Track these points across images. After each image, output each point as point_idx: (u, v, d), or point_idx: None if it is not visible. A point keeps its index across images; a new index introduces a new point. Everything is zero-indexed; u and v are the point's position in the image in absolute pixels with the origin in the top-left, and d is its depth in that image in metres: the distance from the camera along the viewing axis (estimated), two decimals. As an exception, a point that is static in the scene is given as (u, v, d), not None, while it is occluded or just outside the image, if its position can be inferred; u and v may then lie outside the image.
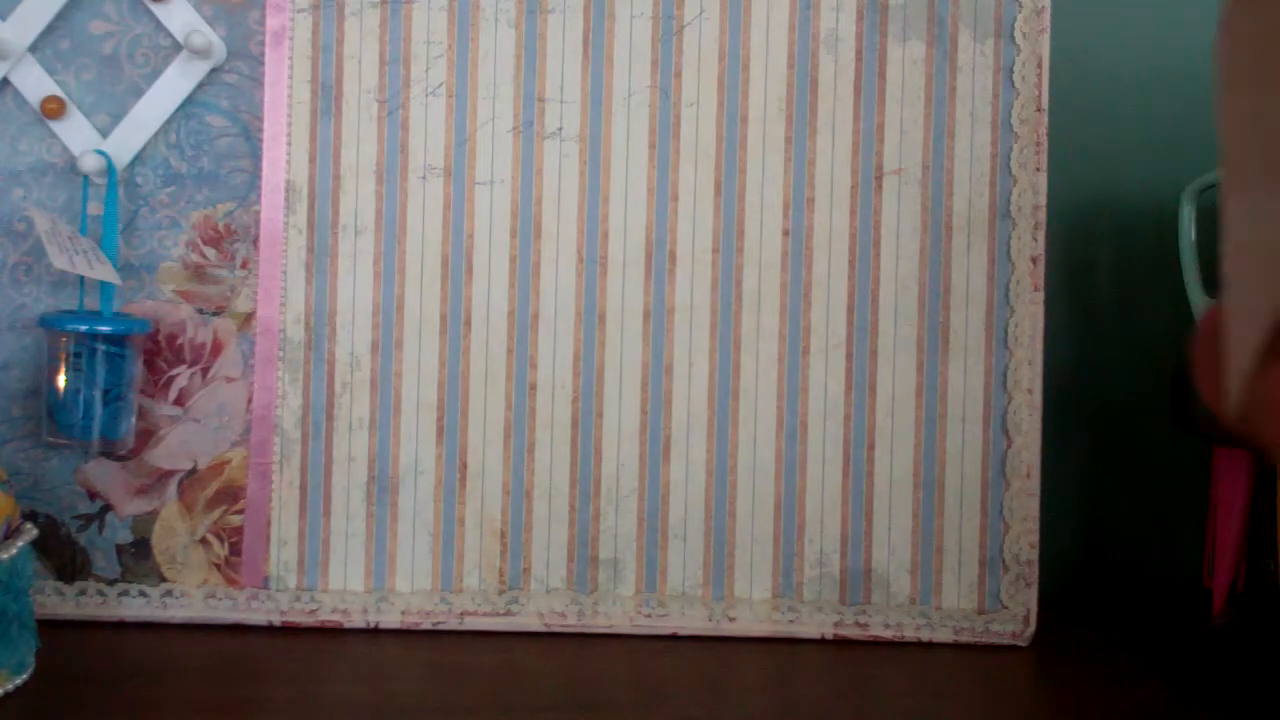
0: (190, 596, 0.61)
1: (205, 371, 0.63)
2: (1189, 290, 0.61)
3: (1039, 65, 0.62)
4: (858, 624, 0.61)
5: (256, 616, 0.61)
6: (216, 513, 0.62)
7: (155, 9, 0.62)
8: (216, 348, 0.63)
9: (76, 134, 0.62)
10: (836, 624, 0.61)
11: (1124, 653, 0.61)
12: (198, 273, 0.63)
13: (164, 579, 0.62)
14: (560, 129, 0.62)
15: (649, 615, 0.61)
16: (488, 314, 0.62)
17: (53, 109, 0.62)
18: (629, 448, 0.62)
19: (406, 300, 0.62)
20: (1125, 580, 0.70)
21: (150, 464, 0.62)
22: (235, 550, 0.62)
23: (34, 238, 0.62)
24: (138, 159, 0.63)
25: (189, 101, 0.63)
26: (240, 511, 0.62)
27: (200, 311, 0.63)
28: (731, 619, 0.61)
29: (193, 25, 0.62)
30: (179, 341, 0.63)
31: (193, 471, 0.62)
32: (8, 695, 0.51)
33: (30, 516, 0.60)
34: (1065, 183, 0.66)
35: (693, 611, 0.61)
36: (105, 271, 0.60)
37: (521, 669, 0.58)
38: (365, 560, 0.62)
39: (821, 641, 0.61)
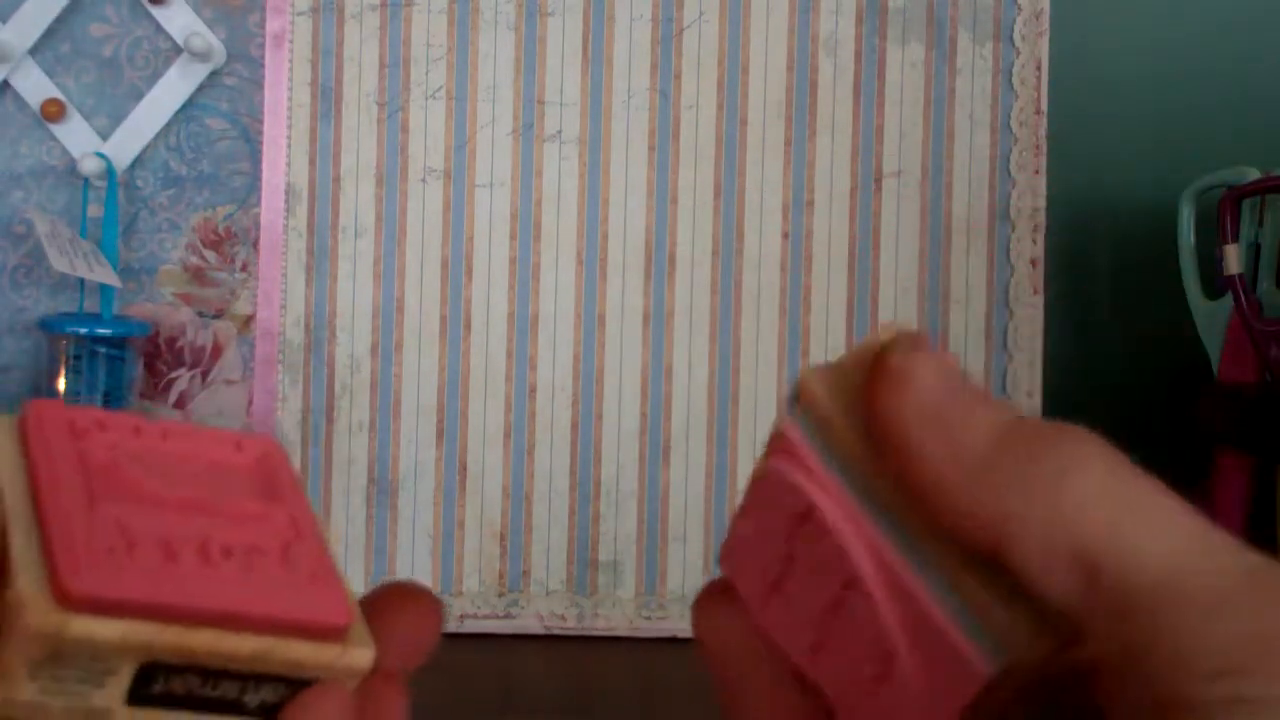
0: (190, 599, 0.61)
1: (205, 374, 0.63)
2: (1188, 292, 0.61)
3: (1038, 68, 0.62)
4: (858, 626, 0.61)
5: (256, 619, 0.61)
6: (216, 515, 0.62)
7: (155, 12, 0.62)
8: (216, 350, 0.63)
9: (76, 136, 0.63)
10: (836, 626, 0.61)
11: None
12: (197, 275, 0.63)
13: (163, 582, 0.61)
14: (560, 132, 0.62)
15: (649, 617, 0.61)
16: (487, 316, 0.62)
17: (53, 112, 0.62)
18: (629, 450, 0.62)
19: (406, 303, 0.62)
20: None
21: (150, 466, 0.62)
22: (235, 553, 0.62)
23: (34, 240, 0.62)
24: (138, 162, 0.63)
25: (189, 104, 0.63)
26: (240, 514, 0.62)
27: (200, 314, 0.63)
28: (731, 621, 0.61)
29: (193, 28, 0.62)
30: (179, 344, 0.63)
31: (192, 474, 0.62)
32: (7, 697, 0.51)
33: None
34: (1064, 185, 0.66)
35: (693, 614, 0.61)
36: (105, 274, 0.60)
37: (521, 671, 0.58)
38: (365, 563, 0.62)
39: (821, 644, 0.61)
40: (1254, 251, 0.58)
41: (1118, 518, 0.17)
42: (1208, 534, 0.18)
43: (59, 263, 0.58)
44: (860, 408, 0.20)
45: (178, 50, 0.62)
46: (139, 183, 0.63)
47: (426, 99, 0.62)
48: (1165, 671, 0.16)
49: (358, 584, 0.61)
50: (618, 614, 0.61)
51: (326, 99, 0.62)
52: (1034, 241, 0.62)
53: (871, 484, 0.20)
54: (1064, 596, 0.17)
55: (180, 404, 0.62)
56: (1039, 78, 0.62)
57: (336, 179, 0.62)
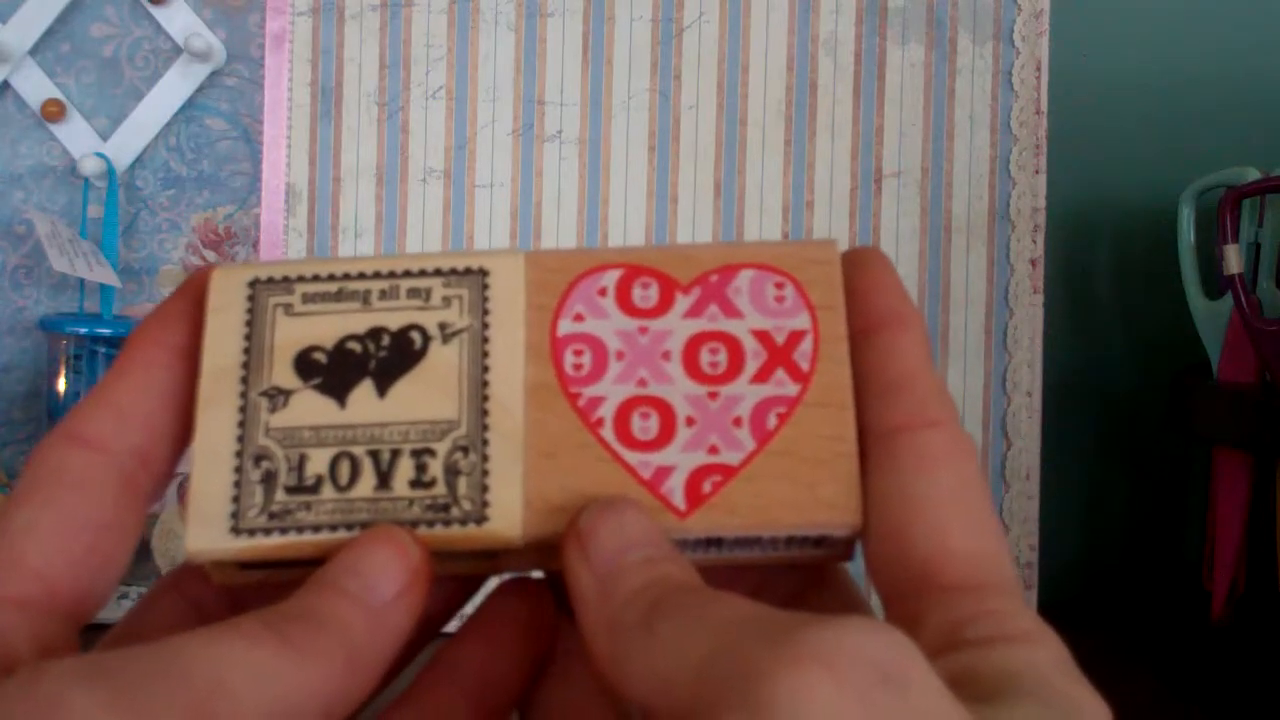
0: (190, 599, 0.61)
1: (205, 374, 0.63)
2: (1188, 292, 0.61)
3: (1038, 68, 0.62)
4: (858, 626, 0.61)
5: (256, 619, 0.61)
6: (216, 515, 0.62)
7: (155, 12, 0.62)
8: (216, 350, 0.63)
9: (77, 137, 0.63)
10: (837, 626, 0.61)
11: (1124, 654, 0.61)
12: (198, 275, 0.63)
13: (164, 582, 0.62)
14: (560, 132, 0.62)
15: (649, 617, 0.61)
16: (487, 316, 0.62)
17: (53, 112, 0.62)
18: (629, 450, 0.62)
19: (406, 303, 0.62)
20: (1125, 581, 0.70)
21: (150, 467, 0.62)
22: (235, 553, 0.62)
23: (34, 240, 0.62)
24: (138, 162, 0.63)
25: (189, 104, 0.63)
26: (240, 514, 0.62)
27: (200, 314, 0.63)
28: (731, 621, 0.61)
29: (193, 28, 0.62)
30: (179, 344, 0.63)
31: (193, 474, 0.62)
32: (7, 697, 0.51)
33: (30, 519, 0.59)
34: (1064, 185, 0.66)
35: (693, 614, 0.61)
36: (105, 274, 0.60)
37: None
38: (365, 563, 0.62)
39: (822, 643, 0.61)
40: (1254, 251, 0.58)
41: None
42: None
43: (59, 263, 0.58)
44: None
45: (178, 50, 0.63)
46: (139, 183, 0.63)
47: (426, 99, 0.62)
48: None
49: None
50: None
51: (326, 99, 0.62)
52: (1034, 241, 0.62)
53: None
54: None
55: (180, 404, 0.62)
56: (1039, 78, 0.62)
57: (336, 179, 0.62)
